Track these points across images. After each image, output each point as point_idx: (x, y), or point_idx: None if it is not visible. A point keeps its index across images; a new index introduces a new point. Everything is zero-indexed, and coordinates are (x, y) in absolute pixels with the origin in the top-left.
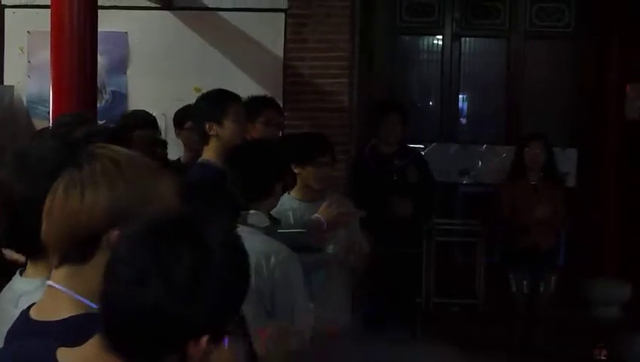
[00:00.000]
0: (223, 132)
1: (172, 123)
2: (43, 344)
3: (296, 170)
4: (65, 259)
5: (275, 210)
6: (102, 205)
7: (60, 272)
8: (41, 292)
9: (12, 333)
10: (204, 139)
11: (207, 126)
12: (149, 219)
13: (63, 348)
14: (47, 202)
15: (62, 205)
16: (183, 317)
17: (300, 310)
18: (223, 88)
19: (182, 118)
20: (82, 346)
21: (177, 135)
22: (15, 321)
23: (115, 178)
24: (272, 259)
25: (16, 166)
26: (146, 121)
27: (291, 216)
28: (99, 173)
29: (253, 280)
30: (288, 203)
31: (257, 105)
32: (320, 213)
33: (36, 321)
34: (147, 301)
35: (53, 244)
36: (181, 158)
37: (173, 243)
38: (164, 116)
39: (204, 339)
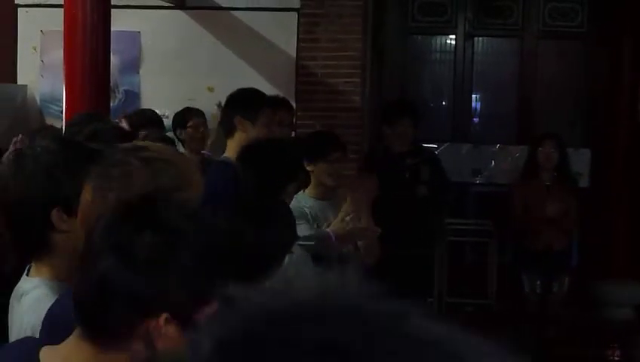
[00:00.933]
0: (252, 132)
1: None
2: (24, 347)
3: (309, 168)
4: None
5: (293, 207)
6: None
7: None
8: (38, 291)
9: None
10: (229, 131)
11: (237, 119)
12: (121, 204)
13: (46, 347)
14: (80, 214)
15: (96, 202)
16: (138, 291)
17: None
18: (261, 91)
19: (183, 117)
20: (65, 341)
21: (179, 135)
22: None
23: (146, 173)
24: (286, 259)
25: (14, 166)
26: (152, 120)
27: (308, 213)
28: (129, 174)
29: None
30: (303, 201)
31: (271, 106)
32: (333, 226)
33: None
34: (103, 273)
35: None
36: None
37: (137, 223)
38: None
39: (162, 318)
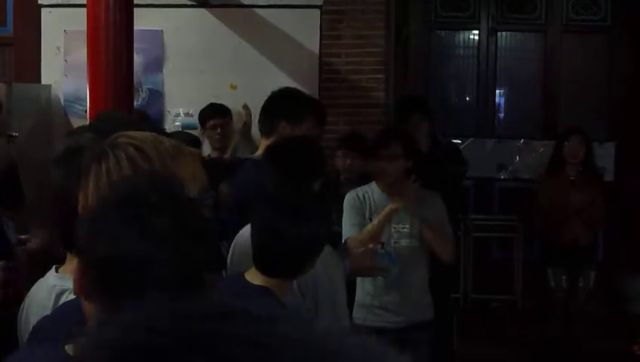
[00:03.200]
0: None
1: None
2: (48, 346)
3: (368, 167)
4: None
5: (359, 197)
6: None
7: None
8: None
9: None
10: (269, 132)
11: (281, 124)
12: (106, 201)
13: (69, 345)
14: (81, 199)
15: (94, 198)
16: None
17: (341, 304)
18: (307, 94)
19: (206, 116)
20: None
21: (201, 133)
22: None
23: (139, 162)
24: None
25: (66, 163)
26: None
27: (368, 206)
28: (123, 159)
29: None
30: (370, 192)
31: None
32: (352, 258)
33: None
34: (134, 256)
35: None
36: (211, 155)
37: (154, 208)
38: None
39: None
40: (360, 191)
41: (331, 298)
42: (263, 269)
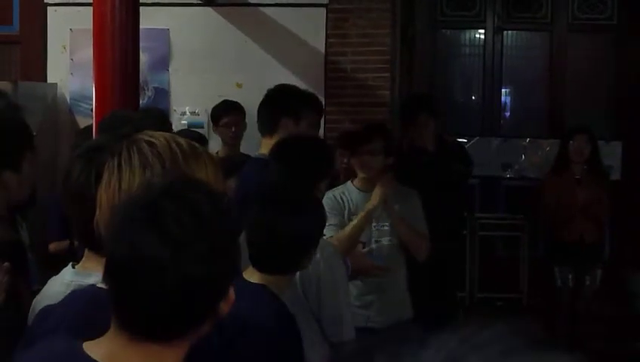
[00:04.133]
0: (295, 131)
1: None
2: (67, 342)
3: (352, 161)
4: None
5: (336, 198)
6: (138, 184)
7: None
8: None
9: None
10: (271, 130)
11: (283, 120)
12: (132, 201)
13: (87, 342)
14: (99, 191)
15: (106, 191)
16: (215, 280)
17: (344, 303)
18: (308, 91)
19: (219, 113)
20: (102, 339)
21: (214, 130)
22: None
23: (150, 158)
24: (317, 255)
25: (88, 161)
26: (156, 118)
27: (347, 205)
28: (134, 154)
29: (298, 275)
30: (348, 192)
31: (314, 109)
32: (354, 262)
33: None
34: (178, 280)
35: (104, 233)
36: (219, 153)
37: (172, 216)
38: (206, 112)
39: (231, 292)
40: (336, 191)
41: (334, 297)
42: (259, 267)
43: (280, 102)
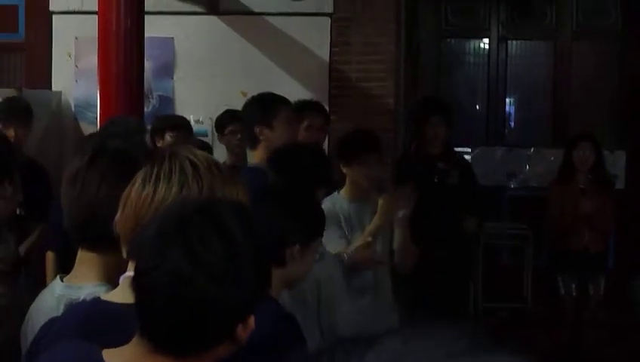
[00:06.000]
0: (273, 135)
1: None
2: (85, 347)
3: (344, 169)
4: None
5: (326, 210)
6: (172, 201)
7: None
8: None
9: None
10: (253, 142)
11: (257, 129)
12: (166, 214)
13: (107, 350)
14: (125, 191)
15: (137, 196)
16: (231, 303)
17: (342, 303)
18: (270, 92)
19: (223, 122)
20: (124, 347)
21: (219, 139)
22: (78, 306)
23: (190, 178)
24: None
25: (97, 161)
26: (178, 124)
27: (342, 216)
28: (176, 171)
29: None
30: (339, 203)
31: (301, 110)
32: (354, 254)
33: (120, 304)
34: (194, 296)
35: (123, 234)
36: (226, 162)
37: (200, 235)
38: (210, 120)
39: (251, 318)
40: (328, 202)
41: (333, 297)
42: None
43: (248, 113)
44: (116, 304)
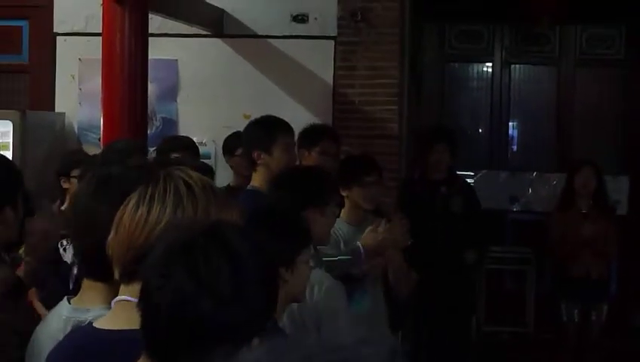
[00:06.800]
0: (271, 161)
1: (222, 149)
2: None
3: (344, 193)
4: (134, 275)
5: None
6: (164, 223)
7: (133, 288)
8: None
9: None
10: (253, 166)
11: (255, 154)
12: (174, 235)
13: None
14: (119, 213)
15: (130, 217)
16: (236, 324)
17: (342, 329)
18: (273, 115)
19: (232, 144)
20: None
21: (227, 161)
22: (71, 336)
23: (184, 199)
24: (316, 289)
25: (102, 190)
26: (185, 145)
27: (341, 240)
28: (170, 192)
29: (296, 309)
30: (337, 226)
31: (315, 135)
32: (363, 239)
33: (108, 330)
34: (198, 317)
35: (116, 256)
36: (231, 184)
37: (206, 256)
38: (214, 143)
39: (256, 340)
40: None
41: (332, 323)
42: None
43: (248, 137)
44: (106, 331)
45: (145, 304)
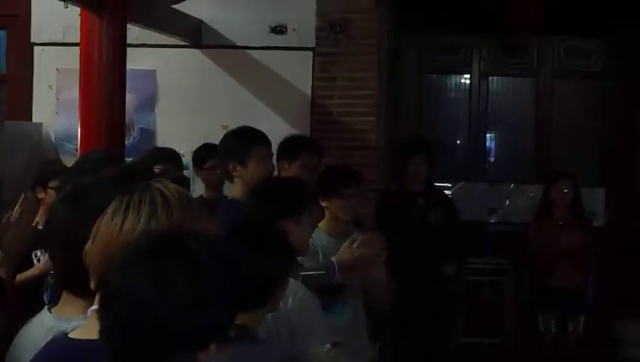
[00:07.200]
0: (246, 173)
1: (192, 161)
2: None
3: (323, 204)
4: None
5: (311, 244)
6: (138, 232)
7: None
8: None
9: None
10: (230, 177)
11: (230, 166)
12: (135, 242)
13: None
14: (97, 222)
15: (106, 227)
16: (194, 330)
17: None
18: (249, 126)
19: (201, 156)
20: None
21: (196, 173)
22: (48, 346)
23: (159, 209)
24: (290, 299)
25: (75, 202)
26: (169, 157)
27: (320, 252)
28: (145, 202)
29: (270, 319)
30: (318, 238)
31: (296, 147)
32: (339, 254)
33: (82, 340)
34: (156, 321)
35: (92, 265)
36: (203, 195)
37: (164, 262)
38: (192, 153)
39: (213, 346)
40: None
41: (308, 334)
42: None
43: (224, 148)
44: (80, 341)
45: (104, 310)
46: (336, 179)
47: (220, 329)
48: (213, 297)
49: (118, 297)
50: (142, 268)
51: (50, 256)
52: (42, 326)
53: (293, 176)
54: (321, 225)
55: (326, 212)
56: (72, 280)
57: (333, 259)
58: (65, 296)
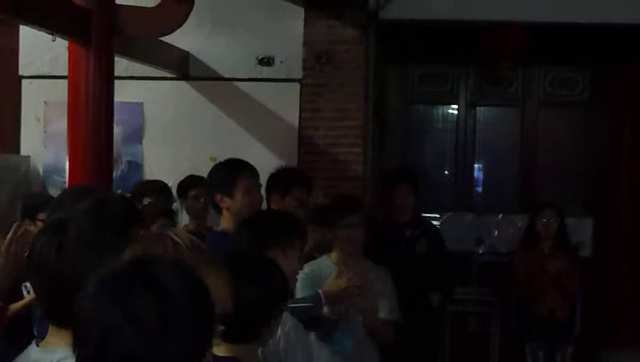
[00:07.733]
0: (233, 204)
1: (176, 192)
2: None
3: (328, 234)
4: None
5: (312, 273)
6: None
7: None
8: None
9: None
10: (217, 209)
11: (217, 197)
12: (103, 273)
13: None
14: None
15: None
16: (161, 357)
17: None
18: (236, 158)
19: (185, 186)
20: None
21: (180, 204)
22: None
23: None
24: (279, 330)
25: (53, 237)
26: (158, 189)
27: (325, 281)
28: (158, 248)
29: (260, 353)
30: (325, 266)
31: (286, 181)
32: (326, 286)
33: None
34: (122, 348)
35: None
36: (188, 227)
37: (132, 291)
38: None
39: None
40: (312, 266)
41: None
42: (224, 337)
43: (210, 181)
44: None
45: (76, 336)
46: (339, 209)
47: (192, 357)
48: (184, 324)
49: (86, 325)
50: (107, 294)
51: (33, 288)
52: (28, 360)
53: (283, 209)
54: (331, 255)
55: (334, 242)
56: (56, 311)
57: (319, 291)
58: (51, 327)
